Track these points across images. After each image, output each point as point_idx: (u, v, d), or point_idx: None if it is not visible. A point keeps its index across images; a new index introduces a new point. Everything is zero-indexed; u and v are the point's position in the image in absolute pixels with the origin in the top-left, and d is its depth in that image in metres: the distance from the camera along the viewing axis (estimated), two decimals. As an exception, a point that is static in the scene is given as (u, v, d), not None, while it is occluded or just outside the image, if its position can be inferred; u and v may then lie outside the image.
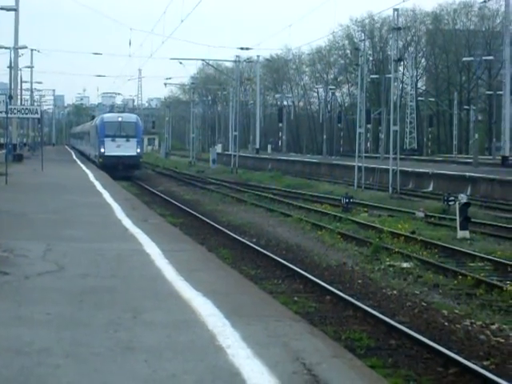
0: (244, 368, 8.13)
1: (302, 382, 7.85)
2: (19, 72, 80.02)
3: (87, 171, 55.70)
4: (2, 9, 61.80)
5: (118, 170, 61.07)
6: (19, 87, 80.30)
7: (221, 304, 11.39)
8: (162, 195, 49.27)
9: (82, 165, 68.96)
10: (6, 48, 71.64)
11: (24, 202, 27.93)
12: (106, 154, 63.84)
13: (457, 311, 17.66)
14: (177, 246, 18.86)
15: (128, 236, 19.61)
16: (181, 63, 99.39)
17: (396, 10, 56.16)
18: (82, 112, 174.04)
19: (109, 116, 71.06)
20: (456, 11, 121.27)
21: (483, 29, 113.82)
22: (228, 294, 12.58)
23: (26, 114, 59.55)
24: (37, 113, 62.23)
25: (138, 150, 65.27)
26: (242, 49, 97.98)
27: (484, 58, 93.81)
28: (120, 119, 66.92)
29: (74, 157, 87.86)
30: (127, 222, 22.60)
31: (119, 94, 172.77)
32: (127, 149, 63.57)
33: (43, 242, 17.55)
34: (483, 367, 13.06)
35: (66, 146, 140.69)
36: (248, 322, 10.33)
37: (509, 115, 72.37)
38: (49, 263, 14.62)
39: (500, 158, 71.47)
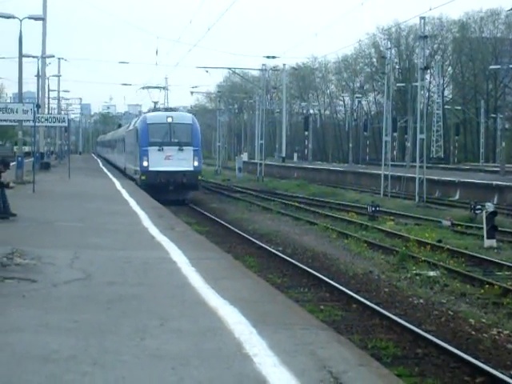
0: (271, 376, 8.14)
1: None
2: (46, 81, 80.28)
3: (114, 179, 55.59)
4: (30, 18, 61.92)
5: (167, 191, 42.83)
6: (46, 96, 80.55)
7: (247, 312, 11.40)
8: (189, 203, 49.20)
9: (108, 173, 67.41)
10: (33, 57, 71.68)
11: (51, 210, 27.99)
12: (150, 169, 43.78)
13: (484, 320, 17.60)
14: (203, 254, 18.88)
15: (155, 244, 19.64)
16: (207, 71, 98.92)
17: (422, 18, 55.96)
18: (108, 121, 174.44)
19: (154, 116, 48.07)
20: (483, 19, 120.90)
21: (510, 37, 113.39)
22: (255, 302, 12.59)
23: (54, 122, 59.88)
24: (64, 121, 62.52)
25: (196, 163, 44.72)
26: (268, 57, 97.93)
27: (511, 65, 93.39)
28: (170, 120, 45.44)
29: (101, 165, 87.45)
30: (154, 230, 22.63)
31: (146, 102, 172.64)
32: (181, 161, 43.71)
33: (70, 249, 17.60)
34: (511, 377, 13.05)
35: (93, 155, 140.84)
36: (275, 330, 10.34)
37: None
38: (76, 271, 14.67)
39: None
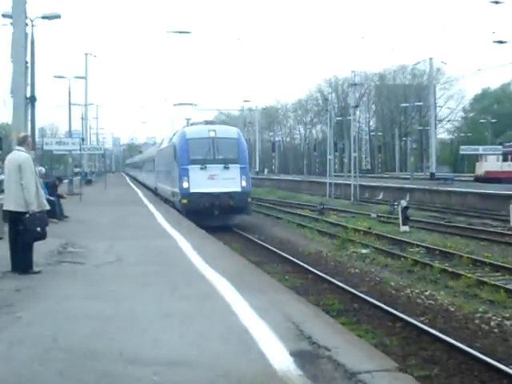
0: (251, 326, 8.15)
1: (293, 335, 7.85)
2: (88, 122, 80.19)
3: (137, 190, 55.49)
4: (76, 77, 61.98)
5: (211, 216, 28.83)
6: (88, 132, 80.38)
7: (234, 281, 11.37)
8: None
9: (132, 185, 67.63)
10: (78, 105, 71.58)
11: (93, 213, 27.90)
12: (191, 190, 29.35)
13: (401, 283, 17.70)
14: (202, 241, 18.85)
15: (167, 235, 19.59)
16: (201, 112, 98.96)
17: (353, 71, 57.84)
18: (132, 149, 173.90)
19: (194, 130, 32.57)
20: (395, 71, 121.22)
21: (415, 83, 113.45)
22: (239, 274, 12.55)
23: (94, 151, 60.57)
24: (101, 150, 63.41)
25: (244, 183, 29.93)
26: (245, 101, 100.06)
27: (416, 104, 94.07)
28: (213, 134, 30.69)
29: (128, 181, 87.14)
30: (166, 225, 22.58)
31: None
32: (227, 181, 29.35)
33: (106, 241, 17.54)
34: (420, 322, 13.13)
35: (122, 173, 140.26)
36: (253, 294, 10.32)
37: (434, 144, 73.43)
38: (111, 255, 14.63)
39: (429, 174, 71.73)
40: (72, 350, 7.14)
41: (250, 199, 30.97)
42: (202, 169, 29.36)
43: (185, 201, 29.02)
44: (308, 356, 6.97)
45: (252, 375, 6.30)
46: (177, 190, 30.58)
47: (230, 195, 29.08)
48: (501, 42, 48.18)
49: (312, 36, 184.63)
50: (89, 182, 64.03)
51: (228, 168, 29.56)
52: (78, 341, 7.52)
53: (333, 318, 11.05)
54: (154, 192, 47.63)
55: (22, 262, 11.88)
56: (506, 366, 10.24)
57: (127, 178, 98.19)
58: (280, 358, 6.86)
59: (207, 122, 33.72)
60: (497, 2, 41.59)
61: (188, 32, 45.53)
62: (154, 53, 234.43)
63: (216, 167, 29.36)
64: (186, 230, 21.29)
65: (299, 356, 6.92)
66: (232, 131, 32.93)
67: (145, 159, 69.61)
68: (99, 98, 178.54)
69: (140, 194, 48.47)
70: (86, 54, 68.16)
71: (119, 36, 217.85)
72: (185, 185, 29.38)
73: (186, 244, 17.03)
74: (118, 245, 16.63)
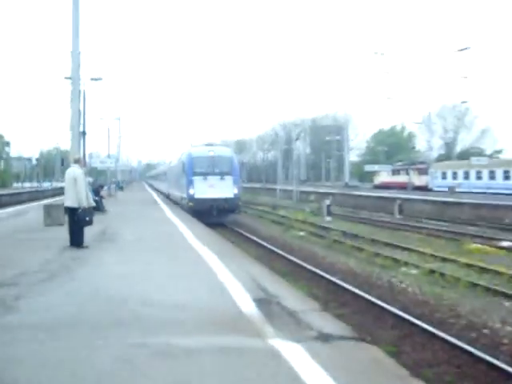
0: (227, 283, 8.15)
1: (254, 287, 7.90)
2: (121, 155, 79.80)
3: (152, 192, 55.02)
4: (112, 119, 61.63)
5: (210, 215, 27.80)
6: (121, 155, 79.84)
7: (215, 251, 11.41)
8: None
9: (150, 190, 66.03)
10: (114, 136, 71.36)
11: (123, 208, 27.63)
12: (196, 196, 28.30)
13: (325, 255, 17.81)
14: (192, 225, 18.78)
15: (170, 222, 19.52)
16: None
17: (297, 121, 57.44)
18: (150, 166, 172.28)
19: (198, 150, 31.24)
20: (323, 117, 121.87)
21: (336, 124, 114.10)
22: (220, 248, 12.57)
23: (124, 167, 60.08)
24: (129, 167, 62.84)
25: (236, 191, 28.75)
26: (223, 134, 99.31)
27: (336, 137, 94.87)
28: (212, 153, 29.61)
29: (147, 187, 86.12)
30: (172, 217, 22.47)
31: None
32: (223, 189, 28.38)
33: (131, 227, 17.45)
34: (337, 279, 13.22)
35: (143, 182, 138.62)
36: (228, 260, 10.34)
37: (347, 164, 74.33)
38: (134, 237, 14.56)
39: (344, 183, 72.49)
40: (108, 296, 7.15)
41: (239, 202, 29.02)
42: (203, 179, 27.82)
43: (191, 203, 27.52)
44: (264, 301, 7.01)
45: (227, 313, 6.34)
46: (185, 195, 28.94)
47: (225, 200, 27.43)
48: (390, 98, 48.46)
49: (266, 87, 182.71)
50: (121, 188, 63.35)
51: (224, 179, 27.91)
52: (112, 290, 7.51)
53: (280, 277, 11.13)
54: (167, 196, 44.38)
55: (76, 240, 12.01)
56: (390, 306, 10.43)
57: (147, 187, 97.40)
58: (246, 302, 6.89)
59: (207, 145, 31.46)
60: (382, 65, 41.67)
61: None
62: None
63: (214, 178, 27.91)
64: (187, 221, 21.19)
65: (258, 301, 6.96)
66: (227, 151, 30.49)
67: (160, 173, 66.95)
68: (130, 131, 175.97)
69: (154, 195, 48.16)
70: (119, 118, 68.98)
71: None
72: (191, 191, 27.88)
73: (186, 229, 16.96)
74: (138, 230, 16.54)
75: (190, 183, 28.12)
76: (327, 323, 6.08)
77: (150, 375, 4.31)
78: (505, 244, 19.58)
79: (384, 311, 10.20)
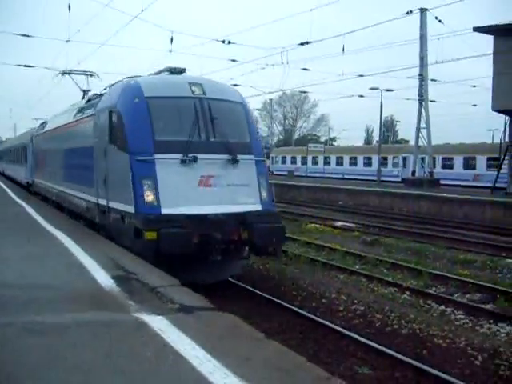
0: (83, 261, 8.14)
1: (112, 266, 7.97)
2: None
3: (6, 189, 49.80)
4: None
5: (206, 262, 7.96)
6: None
7: (70, 235, 11.16)
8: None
9: None
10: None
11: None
12: (164, 211, 7.13)
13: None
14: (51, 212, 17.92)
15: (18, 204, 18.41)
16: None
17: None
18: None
19: (157, 83, 7.49)
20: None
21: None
22: (75, 233, 12.25)
23: None
24: None
25: (265, 195, 7.13)
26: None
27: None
28: (198, 91, 6.70)
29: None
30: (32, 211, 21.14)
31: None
32: (236, 191, 7.35)
33: None
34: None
35: None
36: (81, 242, 10.19)
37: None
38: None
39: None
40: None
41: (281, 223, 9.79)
42: (182, 163, 8.96)
43: (150, 236, 8.76)
44: (123, 278, 7.14)
45: (88, 291, 6.38)
46: (130, 208, 9.41)
47: (243, 218, 9.15)
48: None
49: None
50: None
51: (236, 162, 9.32)
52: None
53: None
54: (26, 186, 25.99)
55: None
56: (241, 282, 10.96)
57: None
58: (105, 280, 6.96)
59: (172, 71, 10.11)
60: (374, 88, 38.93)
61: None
62: None
63: (212, 160, 9.30)
64: (34, 204, 20.16)
65: (117, 278, 7.07)
66: (230, 91, 10.41)
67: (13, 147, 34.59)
68: None
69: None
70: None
71: None
72: (148, 198, 8.99)
73: (32, 210, 16.20)
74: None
75: (143, 173, 9.17)
76: (188, 297, 6.41)
77: (23, 351, 4.33)
78: (338, 224, 21.37)
79: (234, 286, 10.76)
